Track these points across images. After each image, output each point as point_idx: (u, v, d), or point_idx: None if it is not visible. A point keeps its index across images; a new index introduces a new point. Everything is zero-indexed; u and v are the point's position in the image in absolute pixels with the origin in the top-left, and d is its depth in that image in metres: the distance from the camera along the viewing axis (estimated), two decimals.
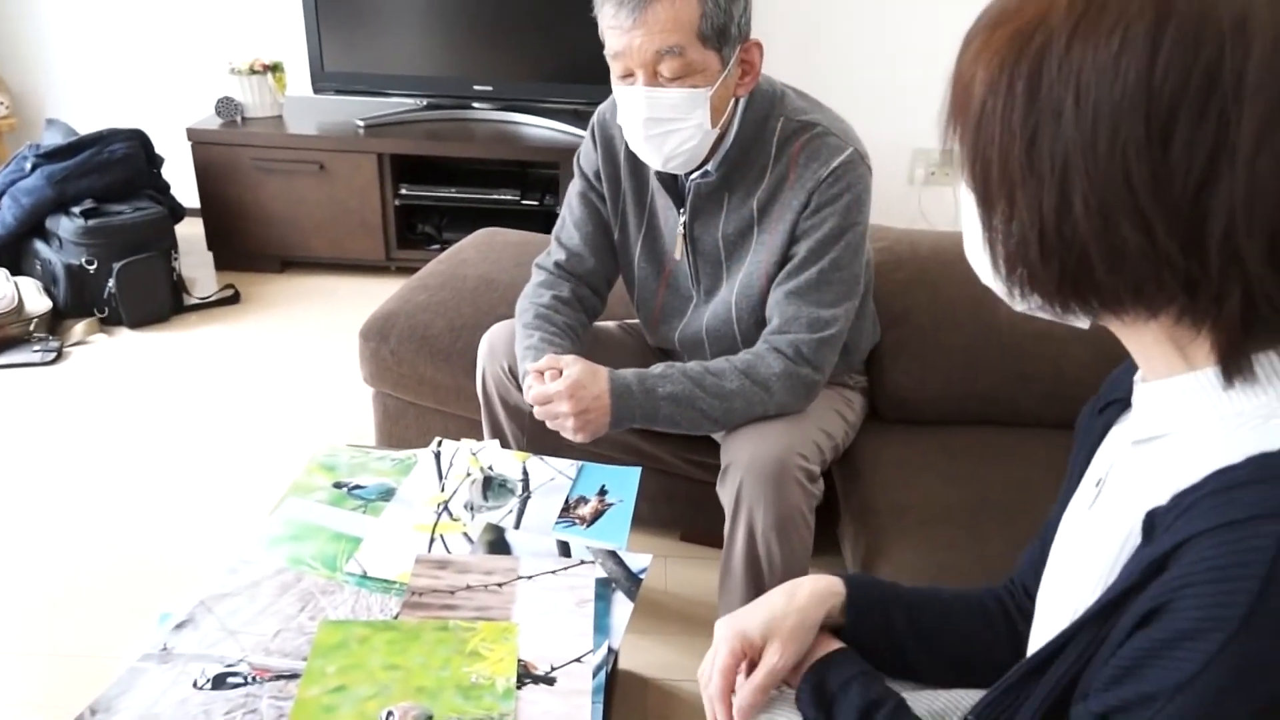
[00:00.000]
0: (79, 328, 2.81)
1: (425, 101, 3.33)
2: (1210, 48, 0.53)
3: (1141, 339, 0.65)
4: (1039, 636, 0.76)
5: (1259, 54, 0.53)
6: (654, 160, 1.44)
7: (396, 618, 1.15)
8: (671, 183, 1.53)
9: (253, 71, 3.20)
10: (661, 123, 1.38)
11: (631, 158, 1.52)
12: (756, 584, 1.47)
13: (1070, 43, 0.56)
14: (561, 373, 1.40)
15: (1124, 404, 0.75)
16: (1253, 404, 0.60)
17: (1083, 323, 0.66)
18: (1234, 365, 0.60)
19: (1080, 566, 0.72)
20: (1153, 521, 0.62)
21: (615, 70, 1.39)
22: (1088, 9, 0.56)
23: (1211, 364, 0.61)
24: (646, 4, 1.30)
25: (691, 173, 1.48)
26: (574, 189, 1.64)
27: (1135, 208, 0.56)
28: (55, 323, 2.83)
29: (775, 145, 1.44)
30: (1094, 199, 0.56)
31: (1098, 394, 0.82)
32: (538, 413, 1.44)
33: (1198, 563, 0.55)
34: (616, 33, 1.34)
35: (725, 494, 1.47)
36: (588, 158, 1.61)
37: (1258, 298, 0.56)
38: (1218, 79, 0.53)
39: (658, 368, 1.46)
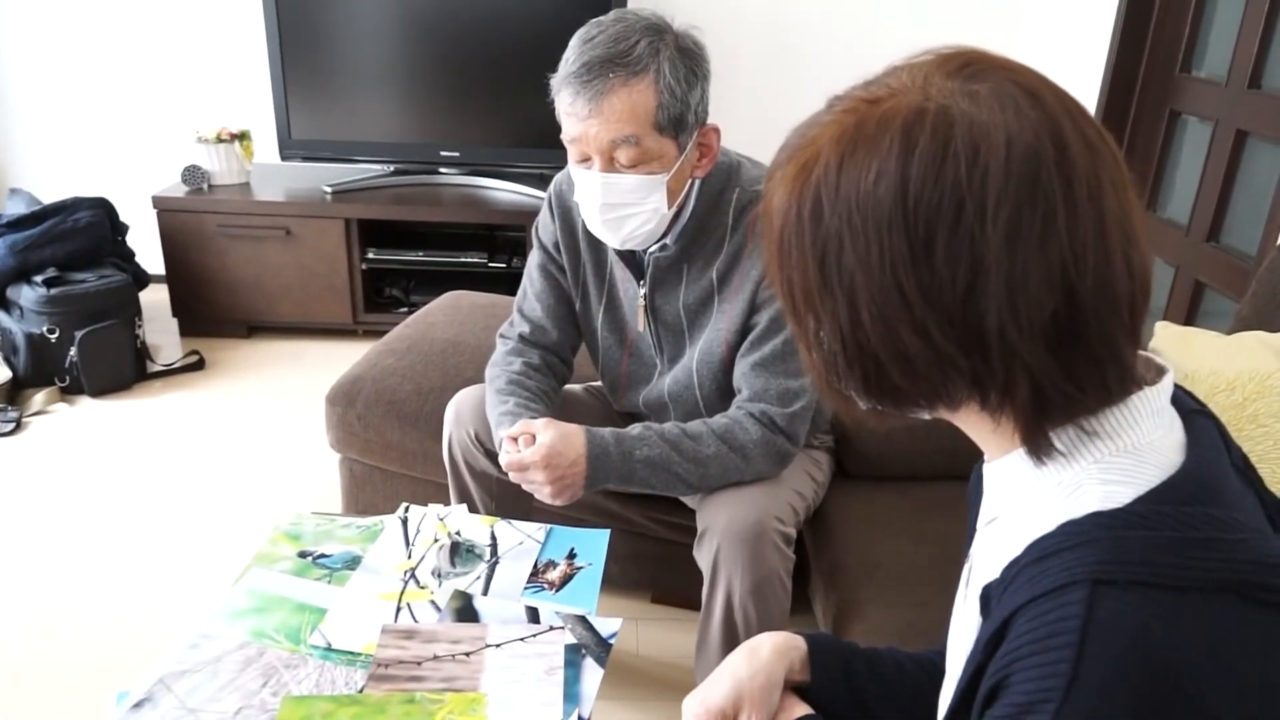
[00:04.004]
0: (39, 397, 2.77)
1: (392, 168, 3.36)
2: (951, 173, 0.58)
3: (970, 428, 0.69)
4: (941, 709, 0.78)
5: (994, 175, 0.58)
6: (611, 240, 1.46)
7: (362, 691, 1.13)
8: (630, 255, 1.54)
9: (220, 140, 3.22)
10: (618, 207, 1.39)
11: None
12: (733, 648, 1.45)
13: (838, 174, 0.62)
14: (535, 437, 1.40)
15: None
16: (1068, 474, 0.64)
17: (923, 414, 0.69)
18: (1035, 446, 0.64)
19: (957, 644, 0.74)
20: (988, 596, 0.65)
21: (572, 154, 1.40)
22: (849, 143, 0.61)
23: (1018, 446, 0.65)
24: (603, 94, 1.30)
25: (650, 246, 1.50)
26: (533, 260, 1.65)
27: (911, 316, 0.60)
28: (14, 392, 2.79)
29: (732, 216, 1.46)
30: (876, 310, 0.62)
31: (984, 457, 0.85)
32: (513, 478, 1.43)
33: (1021, 636, 0.58)
34: (573, 119, 1.34)
35: (703, 559, 1.46)
36: (546, 229, 1.62)
37: (1044, 385, 0.60)
38: (963, 200, 0.58)
39: (635, 428, 1.46)
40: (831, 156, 0.62)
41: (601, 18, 1.36)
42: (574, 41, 1.35)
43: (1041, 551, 0.60)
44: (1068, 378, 0.60)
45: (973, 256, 0.58)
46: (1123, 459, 0.62)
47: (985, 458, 0.72)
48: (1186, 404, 0.69)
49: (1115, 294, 0.60)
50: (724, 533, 1.41)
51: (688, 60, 1.34)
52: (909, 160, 0.59)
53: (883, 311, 0.61)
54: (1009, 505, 0.69)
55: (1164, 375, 0.66)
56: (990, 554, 0.69)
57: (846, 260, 0.62)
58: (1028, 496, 0.66)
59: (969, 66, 0.62)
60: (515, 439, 1.42)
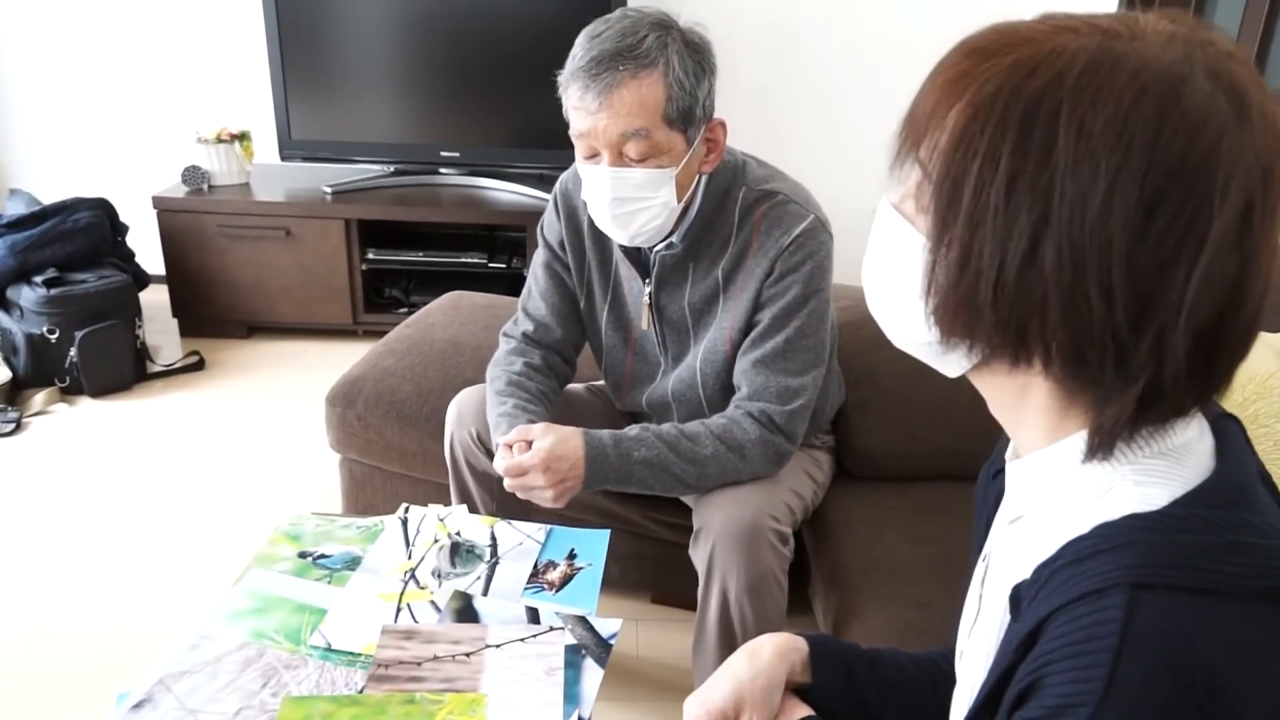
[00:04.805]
0: (39, 397, 2.77)
1: (392, 168, 3.36)
2: (1210, 135, 0.54)
3: (1018, 406, 0.66)
4: (955, 711, 0.77)
5: (1251, 151, 0.54)
6: (620, 237, 1.46)
7: (362, 691, 1.13)
8: (635, 254, 1.54)
9: (220, 140, 3.21)
10: (627, 202, 1.39)
11: (595, 227, 1.53)
12: (730, 648, 1.45)
13: (1080, 89, 0.55)
14: (530, 444, 1.40)
15: None
16: (1101, 474, 0.62)
17: (953, 370, 0.66)
18: (1103, 441, 0.61)
19: (975, 642, 0.73)
20: (1018, 596, 0.64)
21: (580, 150, 1.40)
22: (1096, 61, 0.56)
23: (1074, 434, 0.63)
24: (612, 87, 1.31)
25: (655, 244, 1.50)
26: (538, 259, 1.65)
27: (1106, 272, 0.55)
28: (14, 393, 2.79)
29: (738, 215, 1.46)
30: (1066, 252, 0.56)
31: (991, 457, 0.84)
32: (509, 484, 1.42)
33: (1058, 639, 0.57)
34: (582, 114, 1.35)
35: (698, 558, 1.46)
36: (551, 227, 1.62)
37: (1165, 386, 0.58)
38: (1212, 166, 0.54)
39: (633, 430, 1.46)
40: (1077, 67, 0.55)
41: (608, 15, 1.37)
42: (581, 38, 1.35)
43: (1077, 553, 0.59)
44: (1187, 381, 0.58)
45: (1187, 232, 0.54)
46: (1158, 461, 0.61)
47: (1010, 454, 0.70)
48: (1211, 407, 0.67)
49: (1255, 320, 0.58)
50: (719, 532, 1.41)
51: (695, 54, 1.35)
52: (1170, 110, 0.54)
53: (1075, 257, 0.55)
54: (1036, 504, 0.67)
55: None
56: (1017, 553, 0.68)
57: (1055, 187, 0.55)
58: (1057, 496, 0.65)
59: (1213, 45, 0.57)
60: (510, 446, 1.41)
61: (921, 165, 0.62)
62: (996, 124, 0.57)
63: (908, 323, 0.66)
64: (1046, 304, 0.57)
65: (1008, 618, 0.65)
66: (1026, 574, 0.63)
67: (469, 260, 3.24)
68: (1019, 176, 0.56)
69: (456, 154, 3.27)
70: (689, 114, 1.35)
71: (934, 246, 0.62)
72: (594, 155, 1.38)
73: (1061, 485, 0.65)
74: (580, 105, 1.34)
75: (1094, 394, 0.61)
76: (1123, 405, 0.59)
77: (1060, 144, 0.55)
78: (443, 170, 3.36)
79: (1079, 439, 0.63)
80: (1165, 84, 0.54)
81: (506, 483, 1.42)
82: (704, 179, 1.45)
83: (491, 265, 3.24)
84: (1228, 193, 0.54)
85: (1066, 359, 0.59)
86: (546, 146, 3.15)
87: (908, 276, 0.64)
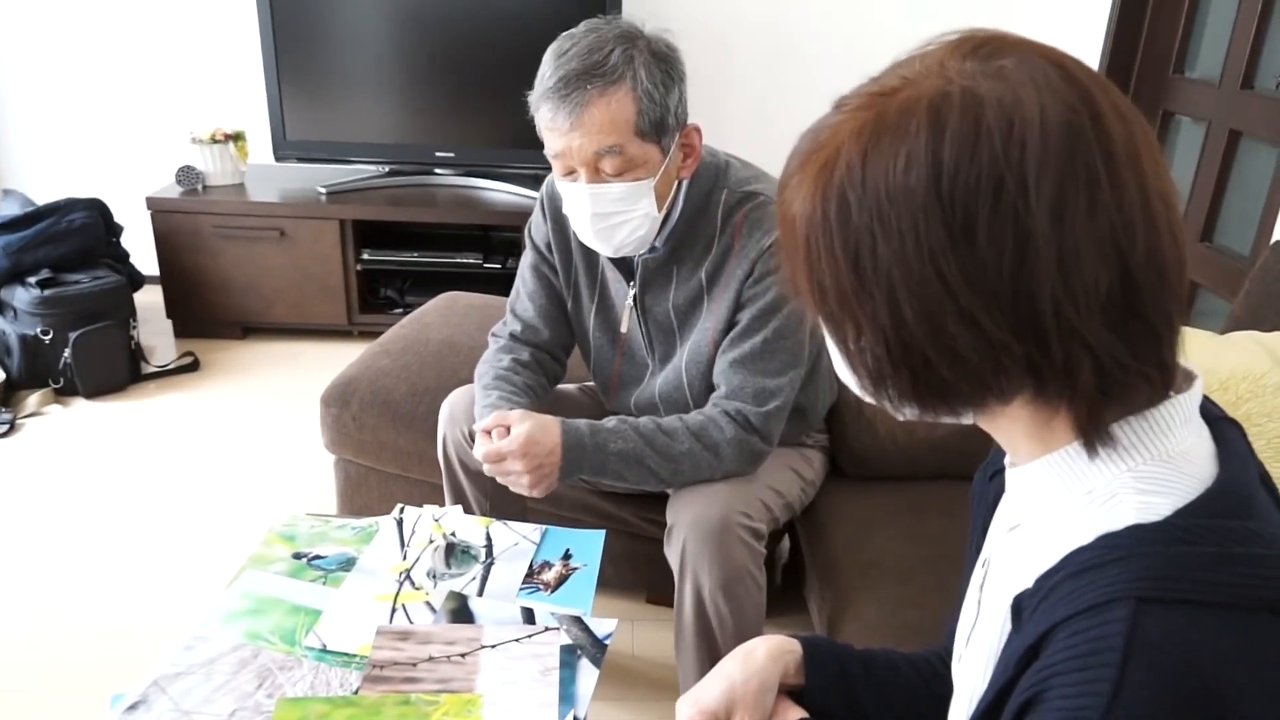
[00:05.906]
0: (33, 399, 2.77)
1: (387, 168, 3.36)
2: (986, 151, 0.56)
3: (1007, 428, 0.67)
4: (954, 714, 0.77)
5: (1032, 149, 0.55)
6: (604, 249, 1.46)
7: (357, 693, 1.13)
8: (620, 258, 1.54)
9: (214, 140, 3.21)
10: (608, 216, 1.39)
11: None
12: (709, 644, 1.46)
13: (863, 168, 0.59)
14: (509, 430, 1.40)
15: None
16: (1101, 482, 0.62)
17: (967, 419, 0.67)
18: (1095, 435, 0.61)
19: (974, 649, 0.73)
20: (1020, 606, 0.63)
21: (557, 168, 1.40)
22: (872, 135, 0.59)
23: (1071, 440, 0.63)
24: (582, 106, 1.31)
25: (642, 251, 1.50)
26: (526, 261, 1.65)
27: (957, 305, 0.58)
28: (8, 394, 2.78)
29: (720, 217, 1.46)
30: (918, 304, 0.58)
31: (988, 458, 0.84)
32: (488, 470, 1.43)
33: (1061, 651, 0.57)
34: (554, 135, 1.35)
35: (671, 555, 1.47)
36: (538, 229, 1.62)
37: (1107, 363, 0.58)
38: (1002, 177, 0.55)
39: (610, 421, 1.46)
40: (854, 151, 0.59)
41: (572, 30, 1.36)
42: (548, 57, 1.35)
43: (1080, 565, 0.58)
44: (1130, 352, 0.58)
45: (1018, 235, 0.56)
46: (1158, 468, 0.61)
47: (1009, 462, 0.70)
48: (1211, 411, 0.67)
49: (1164, 261, 0.58)
50: (690, 528, 1.42)
51: (663, 64, 1.35)
52: (940, 142, 0.56)
53: (926, 305, 0.58)
54: (1034, 513, 0.67)
55: (1193, 382, 0.64)
56: (1017, 562, 0.68)
57: (882, 256, 0.59)
58: (1056, 505, 0.65)
59: (985, 46, 0.60)
60: (489, 432, 1.41)
61: (800, 281, 0.66)
62: (823, 224, 0.61)
63: (886, 409, 0.68)
64: (928, 355, 0.60)
65: (1008, 626, 0.65)
66: (1028, 583, 0.62)
67: (464, 260, 3.24)
68: (858, 260, 0.60)
69: (451, 154, 3.27)
70: (661, 124, 1.35)
71: (840, 345, 0.66)
72: (571, 172, 1.38)
73: (1061, 493, 0.64)
74: (552, 126, 1.34)
75: (1066, 401, 0.61)
76: (1081, 400, 0.60)
77: (869, 219, 0.59)
78: (437, 170, 3.36)
79: (1075, 446, 0.63)
80: (929, 122, 0.57)
81: (486, 468, 1.42)
82: (684, 183, 1.45)
83: (486, 265, 3.24)
84: (1026, 186, 0.55)
85: (984, 390, 0.61)
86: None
87: (850, 374, 0.68)
